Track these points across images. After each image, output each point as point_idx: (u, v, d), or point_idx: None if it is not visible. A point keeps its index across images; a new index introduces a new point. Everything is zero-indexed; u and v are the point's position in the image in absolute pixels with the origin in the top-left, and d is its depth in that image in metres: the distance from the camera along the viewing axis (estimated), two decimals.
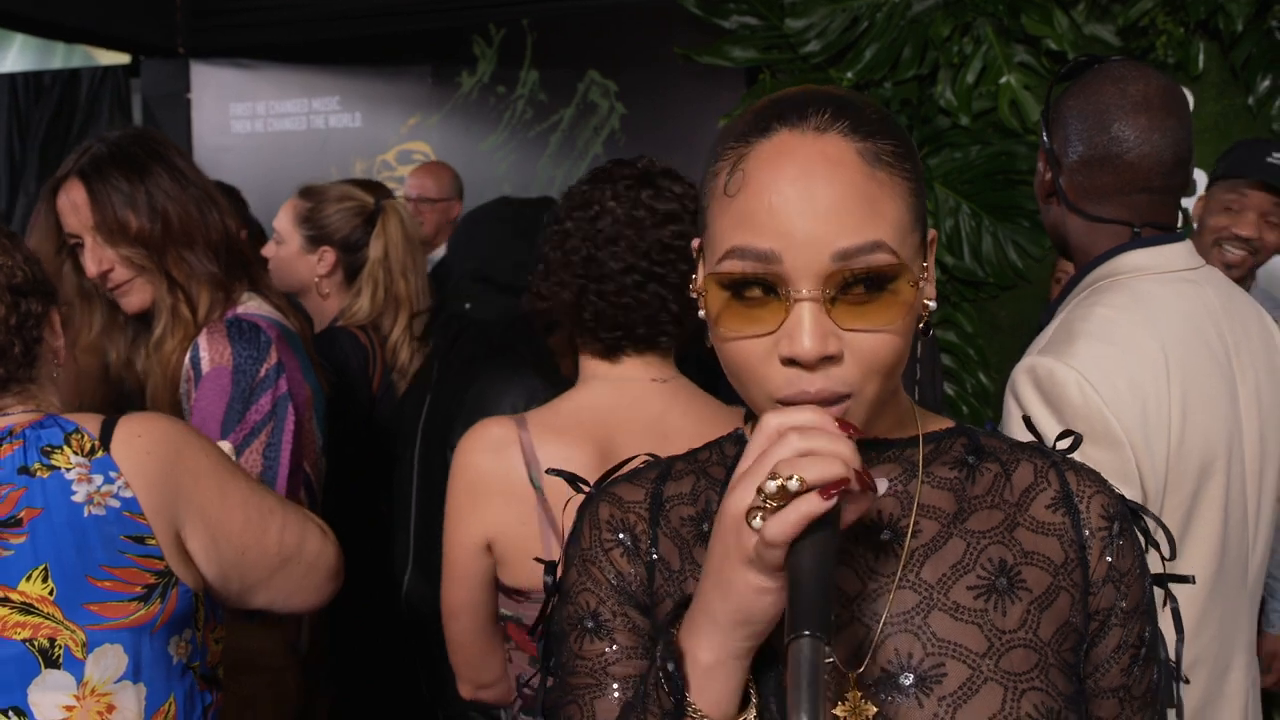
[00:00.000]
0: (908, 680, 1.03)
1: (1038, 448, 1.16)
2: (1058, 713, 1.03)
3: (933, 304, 1.07)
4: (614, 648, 1.11)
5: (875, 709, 1.02)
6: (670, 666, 0.98)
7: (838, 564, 0.89)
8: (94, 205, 2.21)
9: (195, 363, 2.21)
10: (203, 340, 2.21)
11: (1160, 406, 1.73)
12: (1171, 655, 1.17)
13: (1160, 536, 1.15)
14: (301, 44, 5.75)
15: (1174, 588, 1.70)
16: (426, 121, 5.68)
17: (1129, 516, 1.13)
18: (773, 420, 0.94)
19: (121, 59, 6.31)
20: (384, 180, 5.73)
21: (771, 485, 0.90)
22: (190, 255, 2.23)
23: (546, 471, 1.41)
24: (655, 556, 1.13)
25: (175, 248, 2.22)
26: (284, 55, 5.81)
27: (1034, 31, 4.29)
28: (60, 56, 6.76)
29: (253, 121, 5.87)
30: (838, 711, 1.03)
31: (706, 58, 4.67)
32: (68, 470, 1.61)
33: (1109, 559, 1.09)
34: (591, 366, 1.88)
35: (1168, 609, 1.18)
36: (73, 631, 1.60)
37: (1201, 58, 4.19)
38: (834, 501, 0.89)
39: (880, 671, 1.04)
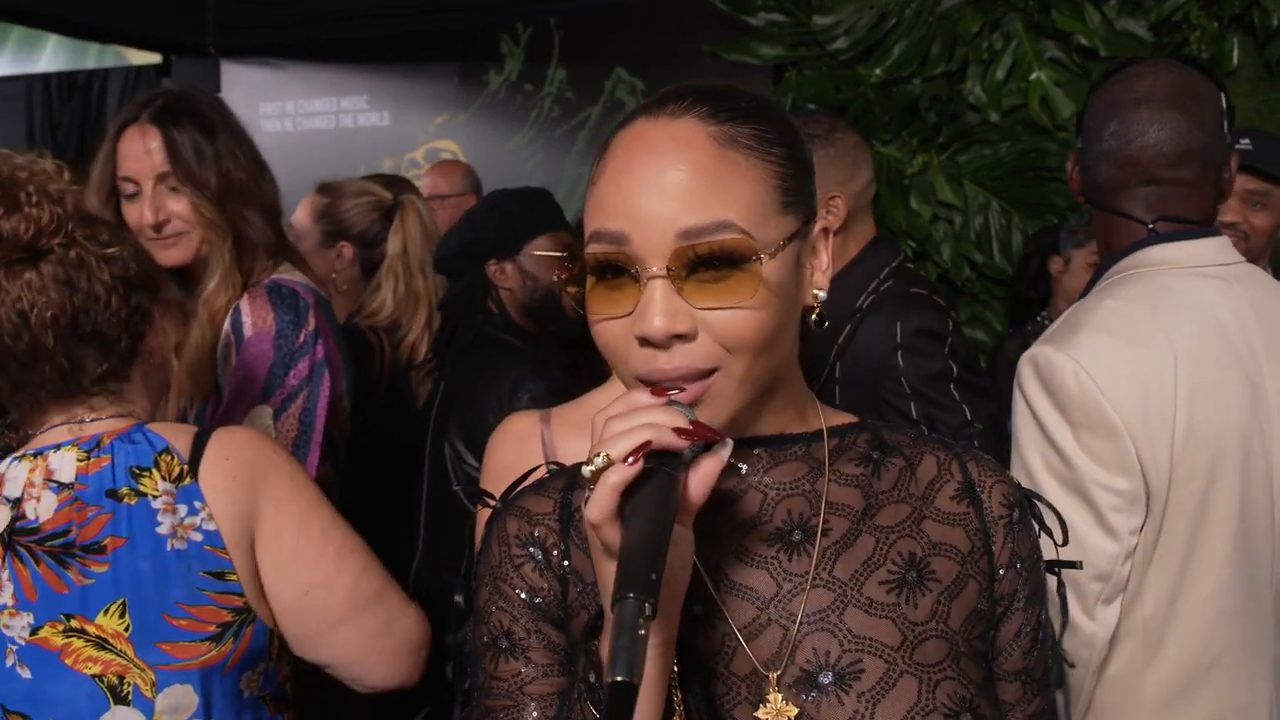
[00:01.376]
0: (827, 679, 1.05)
1: (940, 440, 1.19)
2: (970, 700, 1.06)
3: (822, 294, 1.09)
4: (530, 667, 1.10)
5: (796, 710, 1.04)
6: (591, 678, 0.99)
7: (671, 525, 0.91)
8: (169, 150, 2.24)
9: (237, 326, 2.24)
10: (244, 304, 2.24)
11: (1164, 398, 1.74)
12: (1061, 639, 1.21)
13: (1053, 523, 1.19)
14: (330, 43, 5.82)
15: (1193, 590, 1.72)
16: (454, 120, 5.73)
17: (1026, 504, 1.16)
18: (597, 417, 0.97)
19: (153, 59, 6.39)
20: (414, 178, 5.81)
21: (586, 471, 0.93)
22: (250, 217, 2.29)
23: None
24: (567, 568, 1.12)
25: (237, 207, 2.28)
26: (313, 54, 5.89)
27: (1065, 27, 4.30)
28: (93, 56, 6.87)
29: (282, 120, 5.95)
30: (760, 714, 1.04)
31: (734, 55, 4.71)
32: (154, 498, 1.57)
33: (1011, 545, 1.13)
34: None
35: (1059, 594, 1.21)
36: (142, 670, 1.56)
37: (1236, 53, 4.19)
38: (637, 465, 0.91)
39: (799, 671, 1.05)
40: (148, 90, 6.19)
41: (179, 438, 1.63)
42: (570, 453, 1.80)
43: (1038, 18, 4.35)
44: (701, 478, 0.95)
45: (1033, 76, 4.38)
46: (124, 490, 1.58)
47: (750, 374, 1.03)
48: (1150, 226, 1.89)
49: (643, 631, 0.83)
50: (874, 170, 2.62)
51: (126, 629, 1.56)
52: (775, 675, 1.05)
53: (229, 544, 1.59)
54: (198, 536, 1.58)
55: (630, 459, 0.91)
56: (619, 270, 1.01)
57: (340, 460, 2.36)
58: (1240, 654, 1.80)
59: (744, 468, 1.12)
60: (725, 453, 0.96)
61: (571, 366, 2.65)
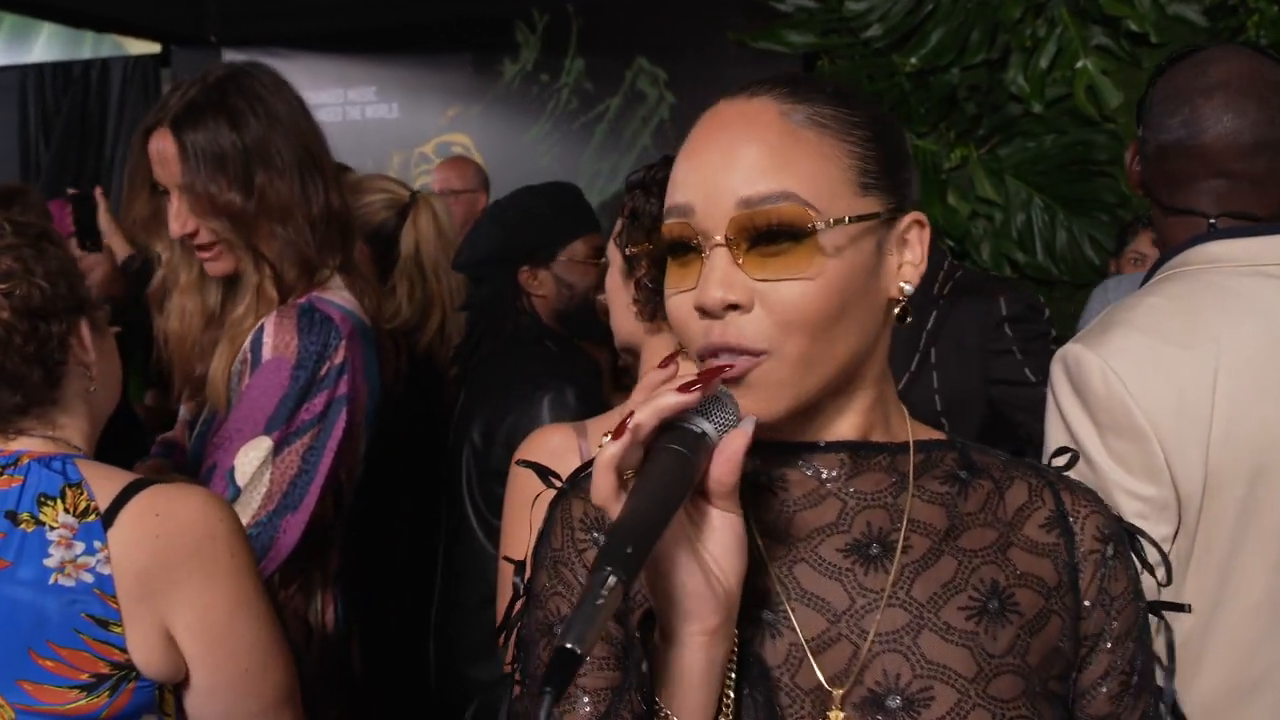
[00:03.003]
0: (894, 703, 1.04)
1: (1032, 465, 1.17)
2: None
3: (909, 288, 1.09)
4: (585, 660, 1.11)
5: None
6: (644, 667, 1.01)
7: (673, 505, 0.92)
8: (183, 165, 2.11)
9: (256, 345, 2.12)
10: (270, 324, 2.11)
11: (1200, 401, 1.70)
12: (1164, 685, 1.18)
13: (1157, 560, 1.17)
14: (336, 32, 5.78)
15: (1234, 603, 1.72)
16: (467, 112, 5.69)
17: (1124, 538, 1.14)
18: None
19: (152, 48, 6.40)
20: (424, 173, 5.75)
21: (596, 452, 0.95)
22: (283, 230, 2.13)
23: (516, 463, 1.40)
24: None
25: (268, 223, 2.13)
26: (318, 44, 5.85)
27: (1112, 12, 4.22)
28: (89, 46, 6.86)
29: None
30: None
31: (762, 43, 4.64)
32: (51, 529, 1.55)
33: (1100, 581, 1.11)
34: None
35: (1162, 638, 1.18)
36: (1, 708, 1.54)
37: None
38: (622, 439, 0.93)
39: (867, 692, 1.04)
40: (143, 84, 6.26)
41: (106, 479, 1.60)
42: None
43: (1084, 3, 4.29)
44: (726, 456, 0.96)
45: (1078, 65, 4.31)
46: (24, 515, 1.56)
47: (807, 358, 1.03)
48: (1212, 221, 1.85)
49: (601, 603, 0.85)
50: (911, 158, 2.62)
51: None
52: (840, 694, 1.04)
53: (121, 595, 1.55)
54: (88, 577, 1.54)
55: (617, 434, 0.93)
56: (686, 246, 1.05)
57: (345, 500, 2.26)
58: None
59: (825, 472, 1.11)
60: (749, 427, 0.97)
61: (609, 372, 2.63)
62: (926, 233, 1.12)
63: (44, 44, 6.91)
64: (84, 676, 1.54)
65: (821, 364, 1.04)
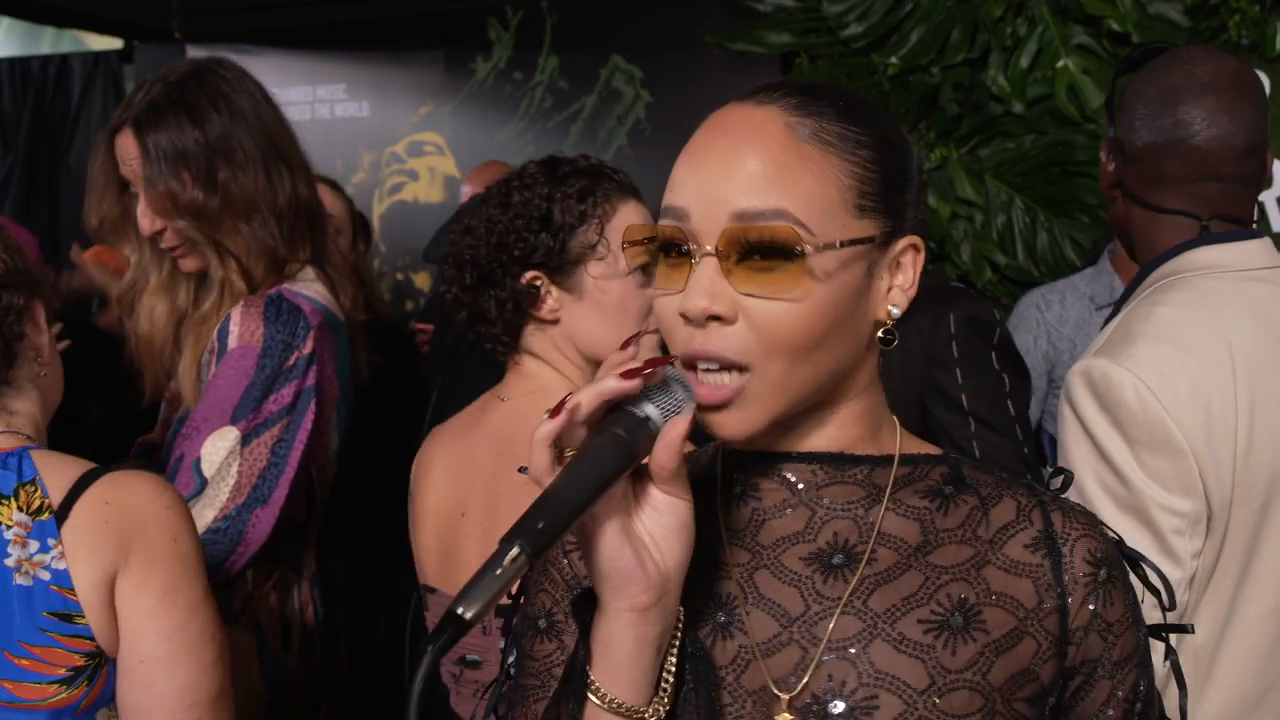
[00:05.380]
0: (837, 708, 1.06)
1: (1028, 485, 1.17)
2: None
3: (896, 311, 1.11)
4: (561, 652, 1.15)
5: None
6: (580, 651, 1.05)
7: (600, 485, 0.95)
8: (145, 165, 2.15)
9: (222, 335, 2.14)
10: (236, 313, 2.14)
11: (1226, 411, 1.72)
12: (1173, 713, 1.19)
13: (1158, 584, 1.17)
14: (305, 28, 5.75)
15: (1246, 612, 1.73)
16: (439, 110, 5.68)
17: (1121, 562, 1.14)
18: None
19: (114, 44, 6.34)
20: (394, 173, 5.75)
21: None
22: (247, 226, 2.17)
23: (519, 470, 1.43)
24: None
25: (231, 219, 2.17)
26: (286, 40, 5.81)
27: (1094, 11, 4.24)
28: (48, 41, 6.80)
29: None
30: None
31: (739, 43, 4.65)
32: (7, 529, 1.56)
33: (1092, 606, 1.10)
34: None
35: (1168, 663, 1.19)
36: None
37: (1279, 39, 4.14)
38: (559, 418, 0.96)
39: (811, 697, 1.07)
40: (105, 81, 6.21)
41: (60, 472, 1.61)
42: None
43: (1065, 1, 4.30)
44: (667, 441, 0.99)
45: (1059, 64, 4.33)
46: None
47: (788, 379, 1.05)
48: (1204, 224, 1.86)
49: (499, 573, 0.89)
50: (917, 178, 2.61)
51: None
52: (788, 697, 1.07)
53: (80, 587, 1.57)
54: (45, 575, 1.56)
55: (552, 414, 0.96)
56: (678, 248, 1.07)
57: (318, 497, 2.27)
58: None
59: (797, 482, 1.13)
60: (688, 413, 1.01)
61: None
62: (921, 257, 1.13)
63: (1, 39, 6.85)
64: (61, 671, 1.57)
65: (800, 385, 1.07)
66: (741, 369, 1.04)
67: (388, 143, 5.77)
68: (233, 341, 2.12)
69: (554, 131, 5.40)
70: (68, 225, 6.02)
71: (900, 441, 1.17)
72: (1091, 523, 1.14)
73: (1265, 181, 1.93)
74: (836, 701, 1.06)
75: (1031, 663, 1.08)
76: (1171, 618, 1.70)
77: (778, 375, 1.05)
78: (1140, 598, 1.15)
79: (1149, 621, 1.17)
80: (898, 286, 1.12)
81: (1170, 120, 1.86)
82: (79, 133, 6.29)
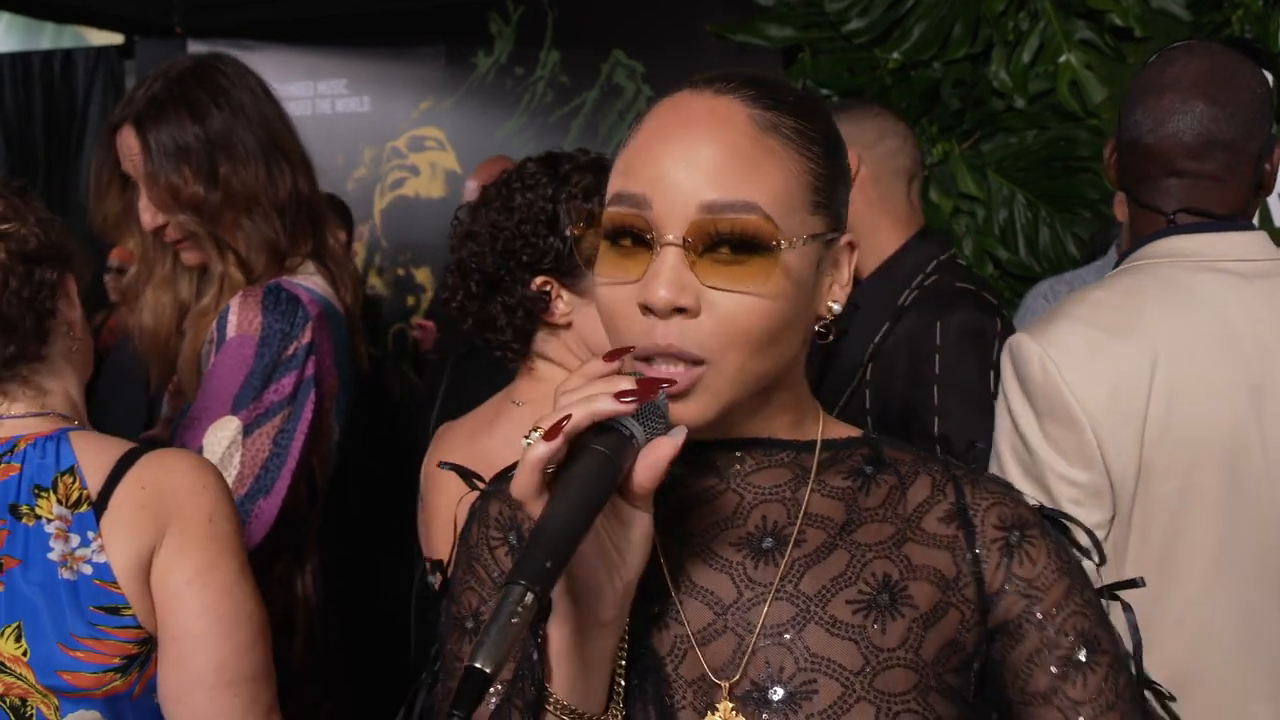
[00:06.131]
0: (777, 695, 1.07)
1: (944, 461, 1.20)
2: None
3: (836, 307, 1.12)
4: None
5: None
6: (534, 655, 1.02)
7: (595, 513, 0.92)
8: (146, 160, 2.18)
9: (221, 325, 2.16)
10: (234, 303, 2.16)
11: (1135, 393, 1.78)
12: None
13: (1087, 542, 1.20)
14: (306, 23, 5.76)
15: (1169, 597, 1.74)
16: (440, 105, 5.68)
17: (1039, 523, 1.16)
18: (557, 389, 1.00)
19: (114, 39, 6.35)
20: (395, 168, 5.76)
21: (523, 444, 0.95)
22: (249, 221, 2.20)
23: (439, 465, 1.40)
24: None
25: (233, 213, 2.19)
26: (287, 35, 5.83)
27: (1096, 5, 4.23)
28: (49, 37, 6.81)
29: None
30: None
31: (741, 36, 4.64)
32: (49, 522, 1.56)
33: (1007, 569, 1.13)
34: None
35: (1124, 620, 1.20)
36: (45, 695, 1.57)
37: None
38: (556, 440, 0.92)
39: (750, 684, 1.07)
40: (106, 77, 6.21)
41: (98, 455, 1.60)
42: None
43: None
44: (650, 462, 0.96)
45: (1061, 59, 4.32)
46: (24, 508, 1.57)
47: (744, 371, 1.05)
48: (1170, 218, 1.92)
49: (515, 620, 0.84)
50: (910, 148, 2.63)
51: (25, 654, 1.55)
52: (728, 685, 1.07)
53: (123, 578, 1.56)
54: (88, 569, 1.56)
55: (551, 435, 0.93)
56: (635, 236, 1.04)
57: (320, 489, 2.29)
58: (1228, 671, 1.81)
59: (726, 469, 1.14)
60: (679, 437, 0.98)
61: None
62: (855, 255, 1.14)
63: (2, 34, 6.86)
64: (115, 660, 1.57)
65: (754, 377, 1.07)
66: (698, 362, 1.03)
67: (389, 138, 5.78)
68: (231, 331, 2.14)
69: (555, 127, 5.40)
70: (75, 221, 6.02)
71: (823, 426, 1.19)
72: (1004, 490, 1.17)
73: (1267, 177, 1.95)
74: (775, 688, 1.07)
75: (958, 632, 1.11)
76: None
77: (734, 369, 1.04)
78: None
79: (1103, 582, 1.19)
80: (838, 283, 1.13)
81: (1132, 119, 1.95)
82: (88, 128, 6.30)
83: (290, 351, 2.13)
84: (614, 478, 0.94)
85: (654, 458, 0.97)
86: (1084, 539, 1.19)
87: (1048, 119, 4.39)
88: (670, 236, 1.02)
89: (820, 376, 2.56)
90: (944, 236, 2.63)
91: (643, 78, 5.28)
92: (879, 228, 2.53)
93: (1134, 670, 1.16)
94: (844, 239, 1.12)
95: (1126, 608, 1.21)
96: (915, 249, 2.51)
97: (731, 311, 1.03)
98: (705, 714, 1.07)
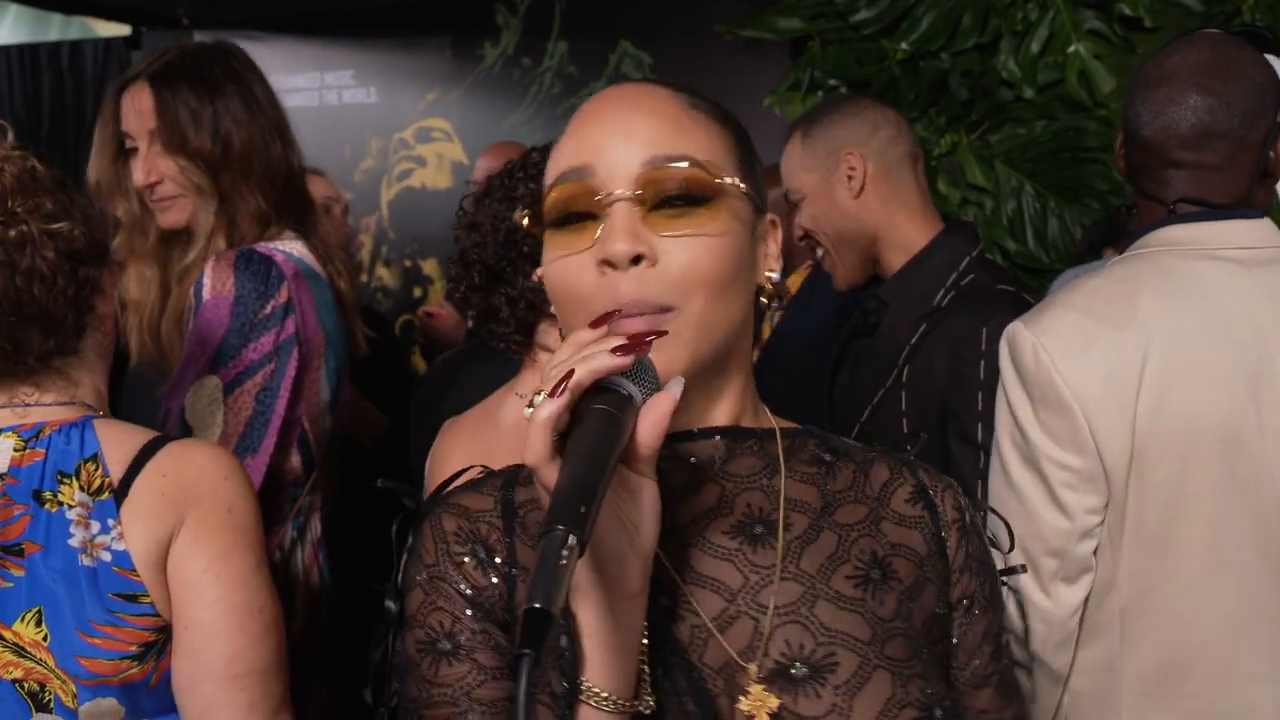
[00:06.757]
0: (801, 671, 1.08)
1: (888, 451, 1.26)
2: (940, 698, 1.11)
3: (775, 275, 1.19)
4: (475, 671, 1.09)
5: (778, 701, 1.07)
6: (564, 641, 1.01)
7: (611, 465, 0.93)
8: (158, 111, 2.26)
9: (197, 290, 2.20)
10: (208, 267, 2.21)
11: (1127, 380, 1.80)
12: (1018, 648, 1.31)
13: (1002, 534, 1.29)
14: (312, 14, 5.76)
15: (1168, 580, 1.82)
16: (446, 97, 5.69)
17: (972, 508, 1.24)
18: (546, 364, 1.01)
19: (121, 30, 6.36)
20: (403, 159, 5.77)
21: (526, 414, 0.96)
22: (245, 185, 2.27)
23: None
24: (513, 567, 1.13)
25: (232, 174, 2.27)
26: (294, 26, 5.83)
27: None
28: (56, 28, 6.82)
29: None
30: (742, 706, 1.07)
31: (750, 30, 4.64)
32: (70, 508, 1.57)
33: (966, 548, 1.21)
34: None
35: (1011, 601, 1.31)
36: (64, 681, 1.57)
37: None
38: (564, 397, 0.93)
39: (774, 664, 1.09)
40: (114, 68, 6.23)
41: (121, 444, 1.61)
42: None
43: None
44: (653, 419, 0.97)
45: (1070, 49, 4.31)
46: (47, 494, 1.58)
47: (707, 317, 1.09)
48: (1170, 207, 1.94)
49: (564, 563, 0.84)
50: (906, 131, 2.63)
51: (45, 639, 1.56)
52: (754, 667, 1.08)
53: (141, 566, 1.57)
54: (107, 556, 1.57)
55: (557, 392, 0.93)
56: (581, 214, 1.09)
57: (314, 452, 2.29)
58: (1231, 652, 1.83)
59: (702, 458, 1.16)
60: (676, 390, 0.99)
61: None
62: (780, 234, 1.22)
63: (10, 26, 6.87)
64: (133, 648, 1.58)
65: (717, 327, 1.11)
66: (665, 309, 1.07)
67: (395, 129, 5.78)
68: (206, 294, 2.19)
69: (562, 118, 5.33)
70: None
71: (771, 418, 1.23)
72: (949, 479, 1.25)
73: (1273, 164, 1.96)
74: (798, 665, 1.09)
75: (935, 606, 1.17)
76: (1069, 567, 1.83)
77: (698, 313, 1.08)
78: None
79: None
80: (771, 254, 1.20)
81: (1132, 111, 1.97)
82: (91, 119, 6.28)
83: (267, 311, 2.16)
84: (621, 435, 0.95)
85: (656, 414, 0.98)
86: (1000, 528, 1.28)
87: (1056, 109, 4.39)
88: (619, 192, 1.08)
89: (851, 375, 2.55)
90: (968, 227, 2.61)
91: (650, 69, 5.29)
92: (897, 222, 2.53)
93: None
94: (769, 216, 1.20)
95: (1013, 592, 1.38)
96: (944, 244, 2.49)
97: (689, 256, 1.08)
98: (737, 699, 1.07)
